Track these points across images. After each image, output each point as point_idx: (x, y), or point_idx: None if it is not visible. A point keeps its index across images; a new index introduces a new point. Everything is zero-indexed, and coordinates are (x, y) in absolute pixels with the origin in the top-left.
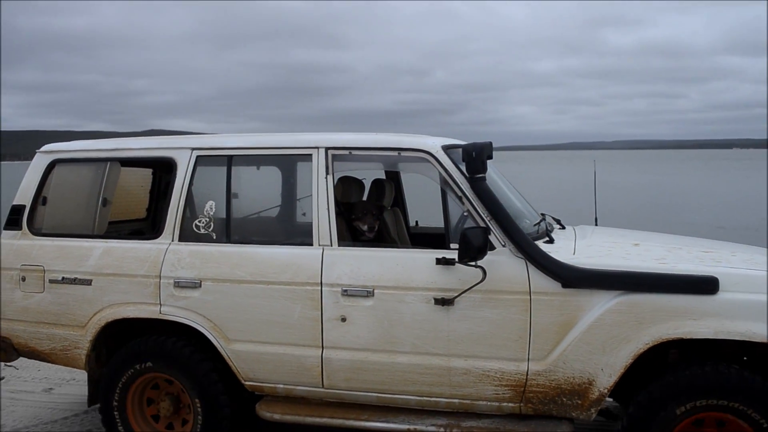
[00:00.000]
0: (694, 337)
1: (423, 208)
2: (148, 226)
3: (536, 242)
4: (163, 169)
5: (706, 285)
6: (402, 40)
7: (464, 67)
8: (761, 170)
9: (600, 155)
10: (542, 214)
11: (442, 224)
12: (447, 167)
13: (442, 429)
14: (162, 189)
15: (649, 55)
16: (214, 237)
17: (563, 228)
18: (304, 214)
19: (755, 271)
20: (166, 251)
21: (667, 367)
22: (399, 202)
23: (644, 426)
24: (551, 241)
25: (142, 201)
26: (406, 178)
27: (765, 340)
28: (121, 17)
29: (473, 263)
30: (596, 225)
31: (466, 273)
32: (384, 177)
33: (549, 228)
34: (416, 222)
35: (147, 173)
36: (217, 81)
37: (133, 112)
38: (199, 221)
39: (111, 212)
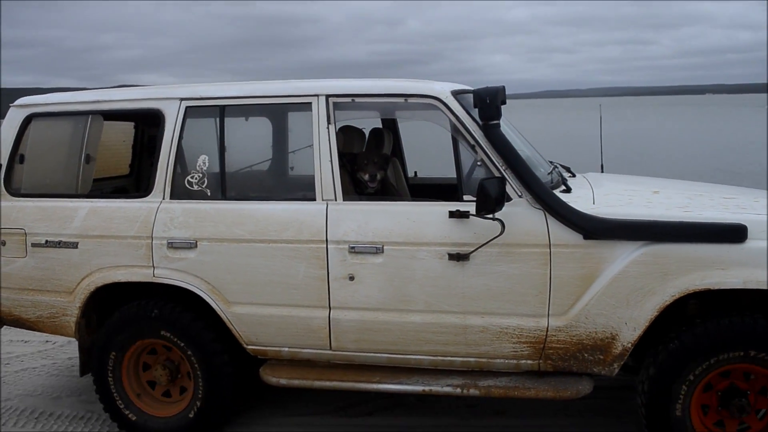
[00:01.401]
0: (723, 287)
1: (420, 156)
2: (132, 184)
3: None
4: (148, 122)
5: (735, 233)
6: None
7: (437, 16)
8: (736, 115)
9: (576, 103)
10: (551, 162)
11: (441, 175)
12: (458, 114)
13: (458, 389)
14: (146, 143)
15: (621, 2)
16: (209, 194)
17: (573, 176)
18: (292, 168)
19: None
20: (158, 210)
21: (686, 319)
22: (397, 152)
23: (671, 377)
24: (568, 190)
25: (125, 157)
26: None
27: None
28: None
29: (491, 216)
30: (602, 172)
31: (481, 226)
32: (380, 126)
33: (563, 177)
34: (415, 173)
35: (128, 127)
36: (187, 34)
37: (101, 67)
38: (192, 177)
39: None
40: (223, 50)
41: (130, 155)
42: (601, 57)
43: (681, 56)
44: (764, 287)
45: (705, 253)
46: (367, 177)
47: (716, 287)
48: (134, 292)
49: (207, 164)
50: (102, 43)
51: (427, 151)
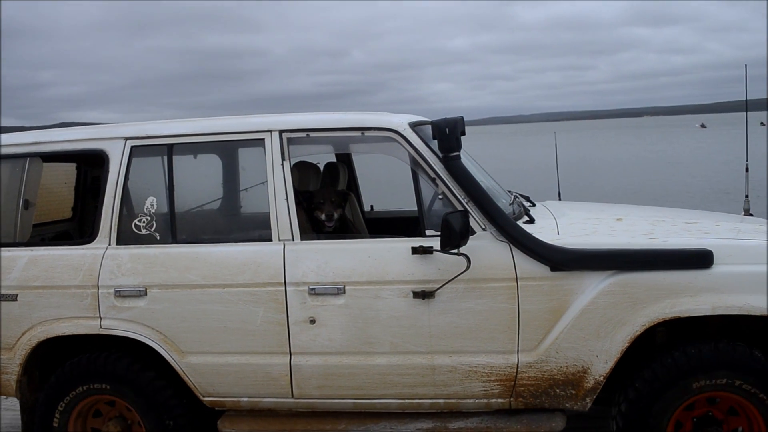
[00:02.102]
0: (692, 314)
1: (375, 189)
2: (76, 228)
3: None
4: (91, 163)
5: (702, 259)
6: (316, 21)
7: (380, 47)
8: (676, 135)
9: (521, 128)
10: (510, 192)
11: (396, 208)
12: (417, 146)
13: None
14: (89, 185)
15: (558, 30)
16: (158, 237)
17: (534, 205)
18: (241, 207)
19: (747, 241)
20: (103, 257)
21: (654, 347)
22: (352, 186)
23: (647, 408)
24: (531, 221)
25: (67, 199)
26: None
27: (762, 314)
28: (22, 6)
29: (456, 251)
30: (560, 200)
31: (445, 262)
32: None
33: (525, 207)
34: (371, 207)
35: (70, 168)
36: (129, 69)
37: (41, 105)
38: (139, 220)
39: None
40: (166, 85)
41: (73, 198)
42: (542, 83)
43: (618, 80)
44: (732, 312)
45: (673, 280)
46: (324, 217)
47: (686, 314)
48: (80, 345)
49: (155, 206)
50: (41, 81)
51: (382, 184)
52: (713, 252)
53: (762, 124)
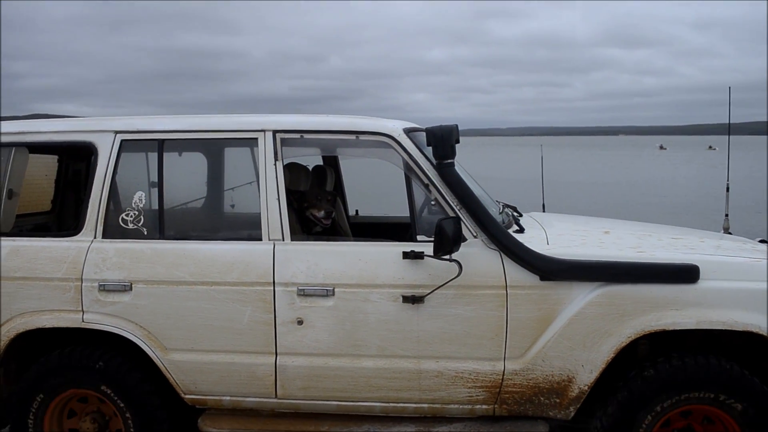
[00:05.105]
0: (677, 328)
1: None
2: (54, 220)
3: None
4: (74, 156)
5: (689, 274)
6: (294, 25)
7: (358, 55)
8: (650, 155)
9: (497, 141)
10: (498, 202)
11: (381, 213)
12: (411, 152)
13: None
14: (71, 178)
15: (534, 46)
16: (145, 233)
17: (521, 216)
18: (232, 206)
19: (733, 258)
20: (88, 250)
21: (636, 360)
22: (338, 189)
23: (628, 419)
24: (521, 230)
25: (46, 192)
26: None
27: (745, 329)
28: None
29: (448, 257)
30: (543, 211)
31: (435, 267)
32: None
33: (515, 216)
34: (356, 211)
35: (51, 160)
36: (105, 65)
37: (14, 96)
38: (127, 215)
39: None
40: (141, 82)
41: (53, 190)
42: (518, 98)
43: (592, 99)
44: (716, 327)
45: (660, 294)
46: (322, 214)
47: (671, 327)
48: (60, 339)
49: (143, 201)
50: (16, 72)
51: (367, 189)
52: (699, 267)
53: (714, 149)
